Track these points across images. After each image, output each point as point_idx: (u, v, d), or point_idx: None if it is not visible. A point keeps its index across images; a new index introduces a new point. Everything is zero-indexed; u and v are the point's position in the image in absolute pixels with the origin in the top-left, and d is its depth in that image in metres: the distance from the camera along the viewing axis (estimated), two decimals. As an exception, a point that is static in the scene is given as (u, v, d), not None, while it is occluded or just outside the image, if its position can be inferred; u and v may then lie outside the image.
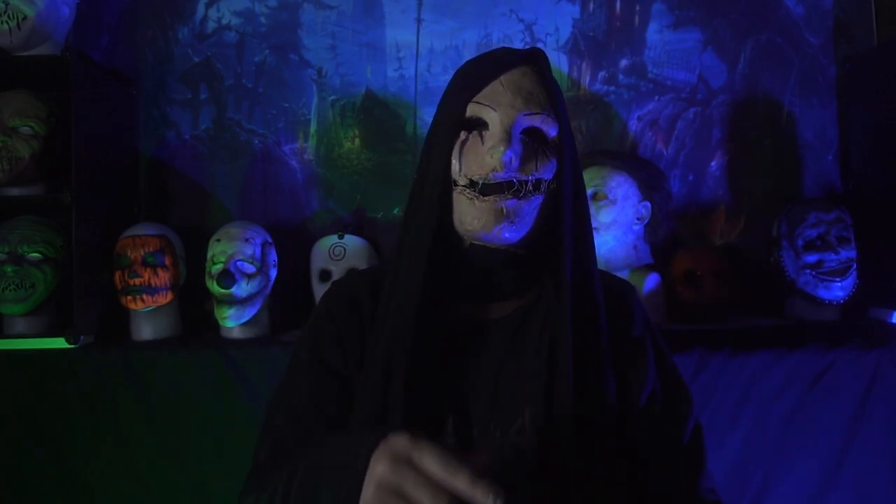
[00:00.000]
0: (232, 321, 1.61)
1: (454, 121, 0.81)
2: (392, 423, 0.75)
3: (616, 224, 1.64)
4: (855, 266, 1.61)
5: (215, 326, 1.68)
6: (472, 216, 0.79)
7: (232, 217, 1.91)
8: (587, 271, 0.82)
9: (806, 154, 1.92)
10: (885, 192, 1.69)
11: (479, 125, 0.80)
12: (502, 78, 0.80)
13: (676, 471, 0.84)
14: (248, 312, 1.63)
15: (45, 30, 1.66)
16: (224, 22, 1.96)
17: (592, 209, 1.65)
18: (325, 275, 1.74)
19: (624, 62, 1.94)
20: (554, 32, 1.94)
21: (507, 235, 0.79)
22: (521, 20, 1.94)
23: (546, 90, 0.81)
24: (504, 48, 0.86)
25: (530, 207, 0.80)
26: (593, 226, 1.60)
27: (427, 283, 0.78)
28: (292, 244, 1.83)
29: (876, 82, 1.75)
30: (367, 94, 1.94)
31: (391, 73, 1.94)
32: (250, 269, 1.62)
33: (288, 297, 1.79)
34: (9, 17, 1.60)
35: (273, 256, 1.69)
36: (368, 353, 0.83)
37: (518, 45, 1.93)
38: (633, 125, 1.93)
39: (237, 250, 1.61)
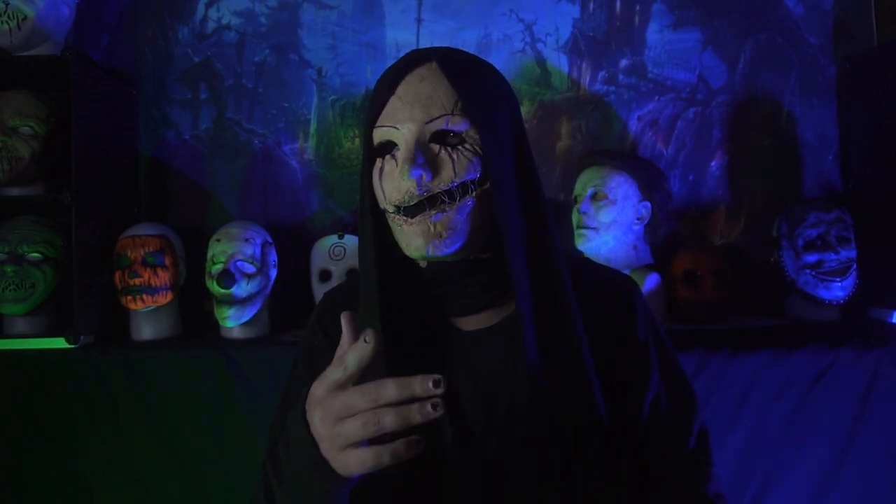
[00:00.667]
0: (232, 321, 1.61)
1: (366, 150, 0.79)
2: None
3: (616, 224, 1.64)
4: (855, 266, 1.61)
5: (215, 326, 1.68)
6: (406, 241, 0.77)
7: (232, 217, 1.91)
8: (546, 262, 0.78)
9: (806, 154, 1.92)
10: (885, 192, 1.69)
11: (390, 147, 0.77)
12: (399, 91, 0.76)
13: (681, 477, 0.82)
14: (248, 312, 1.63)
15: (45, 30, 1.66)
16: (224, 22, 1.96)
17: (592, 209, 1.65)
18: (325, 275, 1.74)
19: (624, 62, 1.94)
20: (554, 32, 1.94)
21: (445, 251, 0.75)
22: (521, 20, 1.94)
23: (448, 87, 0.75)
24: (407, 52, 0.80)
25: (461, 215, 0.76)
26: (593, 226, 1.64)
27: (392, 302, 0.77)
28: (292, 244, 1.83)
29: (876, 82, 1.75)
30: (366, 94, 1.94)
31: (391, 73, 1.94)
32: (250, 269, 1.62)
33: (288, 297, 1.79)
34: (9, 17, 1.60)
35: (273, 256, 1.69)
36: None
37: (518, 45, 1.93)
38: (633, 125, 1.93)
39: (237, 250, 1.61)
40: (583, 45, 1.94)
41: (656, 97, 1.93)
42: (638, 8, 1.94)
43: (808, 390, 1.47)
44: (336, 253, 1.74)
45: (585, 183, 1.68)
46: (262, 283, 1.64)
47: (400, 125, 0.75)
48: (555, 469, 0.74)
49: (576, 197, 1.71)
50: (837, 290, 1.61)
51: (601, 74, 1.94)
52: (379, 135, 0.77)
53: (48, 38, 1.68)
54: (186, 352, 1.57)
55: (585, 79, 1.94)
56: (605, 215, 1.63)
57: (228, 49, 1.96)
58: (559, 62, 1.94)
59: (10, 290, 1.57)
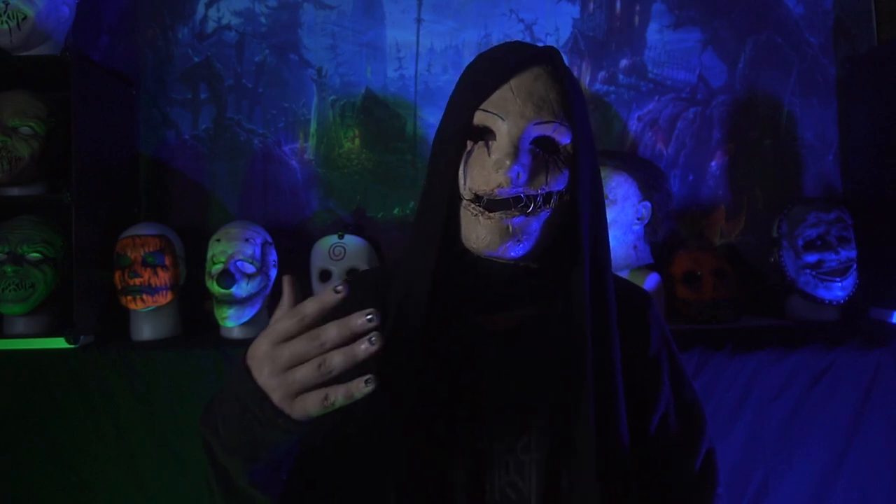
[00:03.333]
0: (232, 321, 1.61)
1: (460, 130, 0.75)
2: (394, 429, 0.74)
3: (616, 224, 1.64)
4: (855, 266, 1.61)
5: (215, 326, 1.68)
6: (476, 233, 0.74)
7: (232, 217, 1.90)
8: (603, 285, 0.78)
9: (806, 154, 1.92)
10: (885, 192, 1.69)
11: (486, 134, 0.75)
12: (512, 82, 0.74)
13: (685, 499, 0.82)
14: (248, 312, 1.63)
15: (45, 30, 1.66)
16: (224, 22, 1.96)
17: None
18: (325, 275, 1.74)
19: (624, 62, 1.94)
20: (554, 32, 1.94)
21: (513, 254, 0.74)
22: (521, 20, 1.94)
23: (560, 94, 0.74)
24: (516, 43, 0.80)
25: (539, 223, 0.75)
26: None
27: (434, 294, 0.75)
28: (292, 244, 1.83)
29: (876, 82, 1.75)
30: (367, 94, 1.94)
31: (391, 73, 1.94)
32: (250, 269, 1.62)
33: (288, 297, 1.79)
34: (9, 17, 1.60)
35: (273, 256, 1.69)
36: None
37: (518, 45, 1.93)
38: (633, 125, 1.93)
39: (237, 250, 1.61)
40: (583, 45, 1.94)
41: (656, 97, 1.93)
42: (638, 8, 1.94)
43: (808, 390, 1.47)
44: (336, 253, 1.74)
45: (585, 183, 1.68)
46: (262, 283, 1.64)
47: (507, 117, 0.73)
48: (569, 479, 0.74)
49: (576, 197, 1.71)
50: (837, 290, 1.61)
51: (601, 74, 1.94)
52: (481, 118, 0.74)
53: (48, 38, 1.68)
54: (186, 352, 1.57)
55: (585, 79, 1.94)
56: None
57: (228, 49, 1.96)
58: (559, 62, 1.94)
59: (10, 290, 1.57)
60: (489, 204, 0.73)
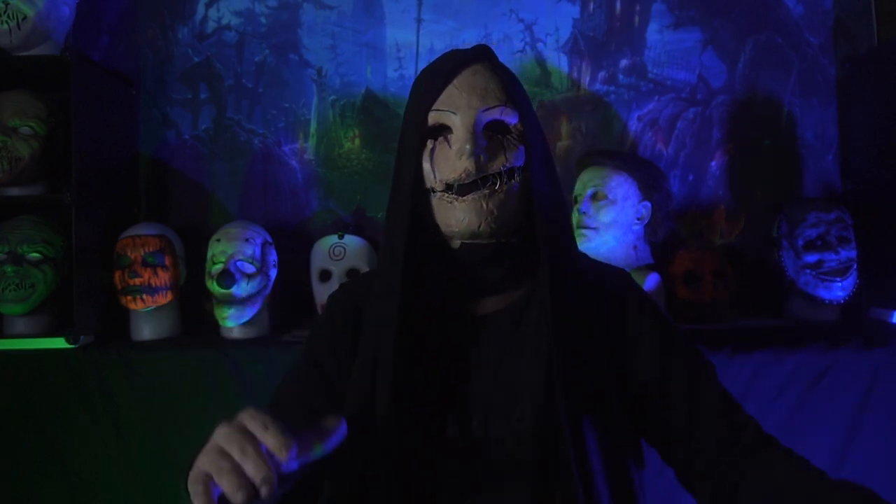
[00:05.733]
0: (232, 321, 1.61)
1: (418, 131, 0.84)
2: (381, 417, 0.77)
3: (616, 224, 1.64)
4: (855, 266, 1.61)
5: (215, 326, 1.68)
6: (455, 218, 0.82)
7: (232, 217, 1.90)
8: (568, 252, 0.85)
9: (806, 154, 1.92)
10: (885, 192, 1.69)
11: (443, 130, 0.84)
12: (455, 81, 0.83)
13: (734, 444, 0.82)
14: (248, 312, 1.63)
15: (45, 30, 1.66)
16: (224, 22, 1.96)
17: (592, 209, 1.65)
18: (325, 275, 1.74)
19: (624, 62, 1.94)
20: (554, 32, 1.94)
21: (493, 226, 0.82)
22: (521, 20, 1.94)
23: (499, 83, 0.84)
24: (452, 51, 0.88)
25: (508, 197, 0.83)
26: (593, 226, 1.64)
27: (411, 284, 0.81)
28: (292, 244, 1.83)
29: (876, 82, 1.75)
30: (367, 94, 1.94)
31: (391, 73, 1.94)
32: (250, 269, 1.62)
33: (288, 297, 1.79)
34: (9, 17, 1.60)
35: (273, 256, 1.69)
36: (359, 354, 0.85)
37: (518, 46, 1.94)
38: (633, 125, 1.93)
39: (237, 250, 1.61)
40: (583, 45, 1.94)
41: (656, 97, 1.93)
42: (638, 8, 1.94)
43: (808, 390, 1.47)
44: (336, 253, 1.73)
45: (585, 183, 1.68)
46: (262, 283, 1.64)
47: (458, 111, 0.82)
48: (564, 443, 0.76)
49: (576, 197, 1.71)
50: (837, 290, 1.61)
51: (601, 74, 1.94)
52: (435, 117, 0.83)
53: (48, 38, 1.68)
54: (186, 352, 1.57)
55: (585, 79, 1.94)
56: (605, 215, 1.63)
57: (228, 49, 1.96)
58: (559, 62, 1.94)
59: (10, 290, 1.57)
60: (460, 189, 0.82)
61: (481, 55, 0.86)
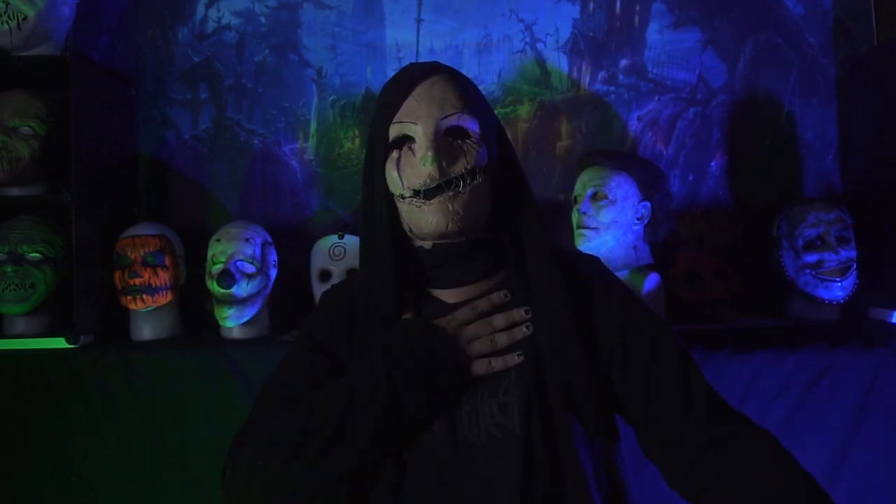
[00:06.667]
0: (232, 321, 1.61)
1: (383, 142, 0.90)
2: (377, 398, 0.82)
3: (616, 224, 1.64)
4: (855, 266, 1.61)
5: (215, 326, 1.68)
6: (425, 220, 0.87)
7: (232, 217, 1.91)
8: (536, 241, 0.90)
9: (806, 154, 1.92)
10: (885, 192, 1.69)
11: (407, 140, 0.89)
12: (414, 93, 0.88)
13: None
14: (248, 312, 1.63)
15: (45, 30, 1.66)
16: (224, 22, 1.96)
17: (592, 209, 1.65)
18: (325, 275, 1.74)
19: (624, 62, 1.94)
20: (554, 32, 1.94)
21: (460, 225, 0.87)
22: (521, 20, 1.94)
23: (456, 90, 0.89)
24: (410, 64, 0.94)
25: (473, 196, 0.88)
26: (593, 226, 1.64)
27: (397, 281, 0.89)
28: (292, 244, 1.83)
29: (876, 82, 1.75)
30: (367, 94, 1.94)
31: (391, 73, 1.91)
32: (250, 269, 1.62)
33: (288, 297, 1.79)
34: (9, 17, 1.60)
35: (273, 256, 1.69)
36: (355, 342, 0.91)
37: (518, 46, 1.94)
38: (633, 125, 1.93)
39: (237, 250, 1.61)
40: (583, 45, 1.94)
41: (656, 97, 1.93)
42: (638, 8, 1.94)
43: (808, 390, 1.46)
44: (336, 253, 1.74)
45: (585, 183, 1.68)
46: (262, 283, 1.64)
47: (418, 121, 0.87)
48: (543, 422, 0.82)
49: (576, 197, 1.71)
50: (837, 290, 1.61)
51: (601, 74, 1.94)
52: (396, 129, 0.89)
53: (48, 38, 1.68)
54: (186, 352, 1.57)
55: (585, 79, 1.94)
56: (605, 215, 1.63)
57: (228, 49, 1.96)
58: (559, 62, 1.94)
59: (10, 290, 1.57)
60: (427, 193, 0.87)
61: (438, 68, 0.91)
